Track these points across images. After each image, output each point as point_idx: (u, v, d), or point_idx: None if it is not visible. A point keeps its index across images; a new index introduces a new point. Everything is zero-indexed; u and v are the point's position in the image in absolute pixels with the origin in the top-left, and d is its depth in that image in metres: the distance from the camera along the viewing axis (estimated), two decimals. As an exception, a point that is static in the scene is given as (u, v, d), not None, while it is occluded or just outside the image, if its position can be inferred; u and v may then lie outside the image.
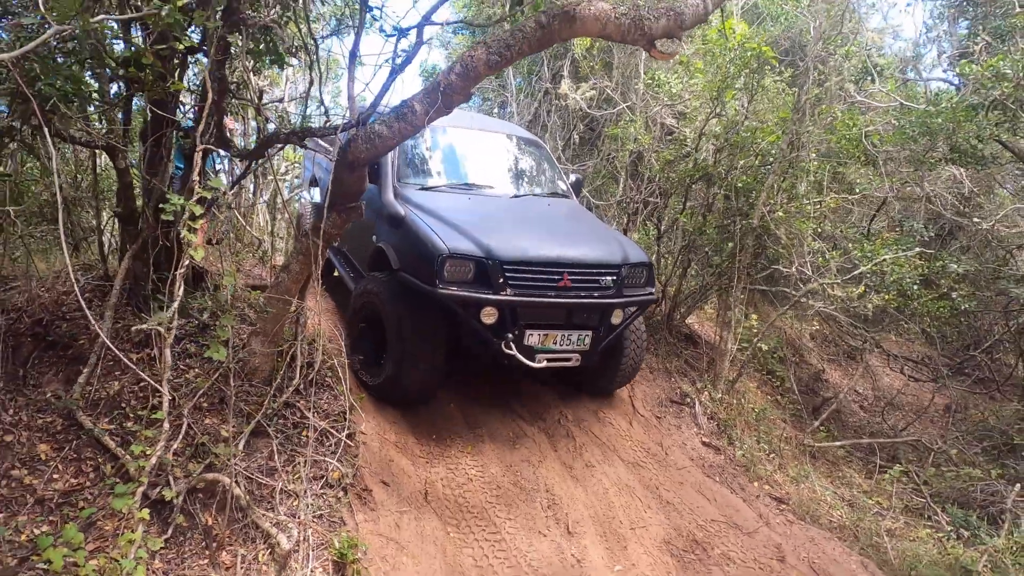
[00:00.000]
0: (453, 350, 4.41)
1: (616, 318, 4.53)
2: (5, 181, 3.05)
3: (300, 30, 3.31)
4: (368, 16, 3.21)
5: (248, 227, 5.76)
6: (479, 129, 5.62)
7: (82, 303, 2.54)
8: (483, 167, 5.38)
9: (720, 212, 5.58)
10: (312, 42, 3.43)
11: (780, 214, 5.22)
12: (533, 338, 4.22)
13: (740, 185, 5.49)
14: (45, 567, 2.54)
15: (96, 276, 4.06)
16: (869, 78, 6.07)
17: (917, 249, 5.36)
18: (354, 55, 3.34)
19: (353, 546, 3.03)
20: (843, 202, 5.80)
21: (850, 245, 5.31)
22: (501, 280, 4.09)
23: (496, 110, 9.15)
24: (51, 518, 2.84)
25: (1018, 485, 4.97)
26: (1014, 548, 4.39)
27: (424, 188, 4.93)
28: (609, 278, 4.40)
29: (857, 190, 5.81)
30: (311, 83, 3.52)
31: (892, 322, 6.59)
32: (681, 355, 6.41)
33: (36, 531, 2.75)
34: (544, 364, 4.24)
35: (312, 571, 2.95)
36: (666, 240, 6.52)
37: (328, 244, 3.54)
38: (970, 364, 9.02)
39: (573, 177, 5.90)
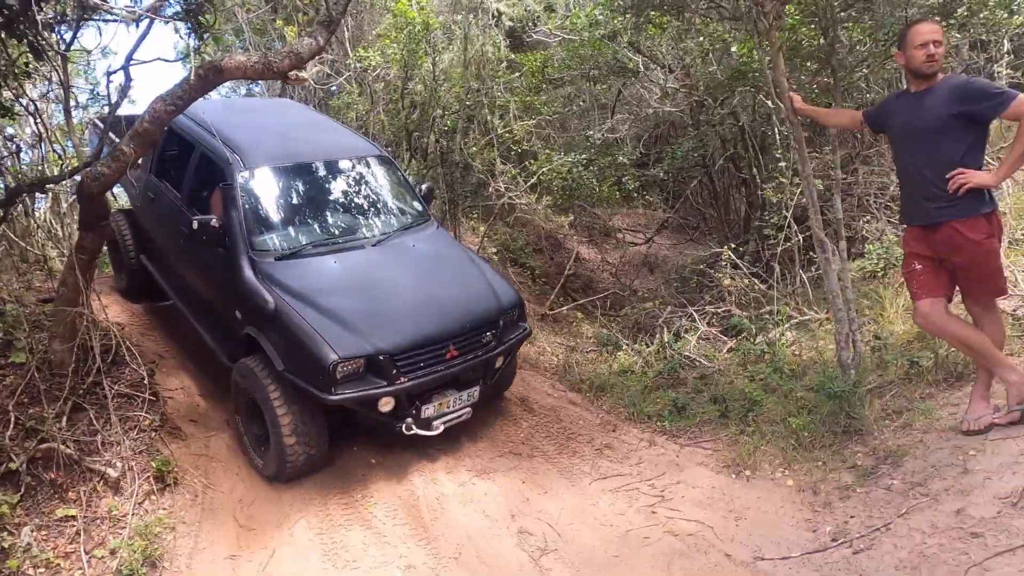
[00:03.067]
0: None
1: (498, 363, 4.64)
2: None
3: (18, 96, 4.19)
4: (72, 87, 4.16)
5: (29, 247, 6.43)
6: (322, 159, 5.18)
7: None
8: (337, 210, 5.07)
9: (434, 155, 7.05)
10: (32, 105, 4.33)
11: (474, 148, 6.78)
12: (429, 410, 4.27)
13: (445, 130, 6.96)
14: (-69, 533, 3.62)
15: None
16: (531, 24, 7.67)
17: (582, 155, 7.16)
18: (68, 112, 4.31)
19: (167, 463, 4.32)
20: (532, 126, 7.47)
21: (529, 162, 7.01)
22: (394, 371, 4.07)
23: (243, 91, 9.86)
24: (-76, 505, 3.85)
25: (668, 307, 7.12)
26: (658, 350, 6.47)
27: (283, 256, 4.57)
28: (490, 333, 4.50)
29: (543, 112, 7.49)
30: (40, 138, 4.43)
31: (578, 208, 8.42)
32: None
33: (-85, 515, 3.78)
34: (442, 429, 4.34)
35: (140, 487, 4.22)
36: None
37: (93, 258, 4.56)
38: (697, 220, 11.50)
39: (424, 187, 5.66)
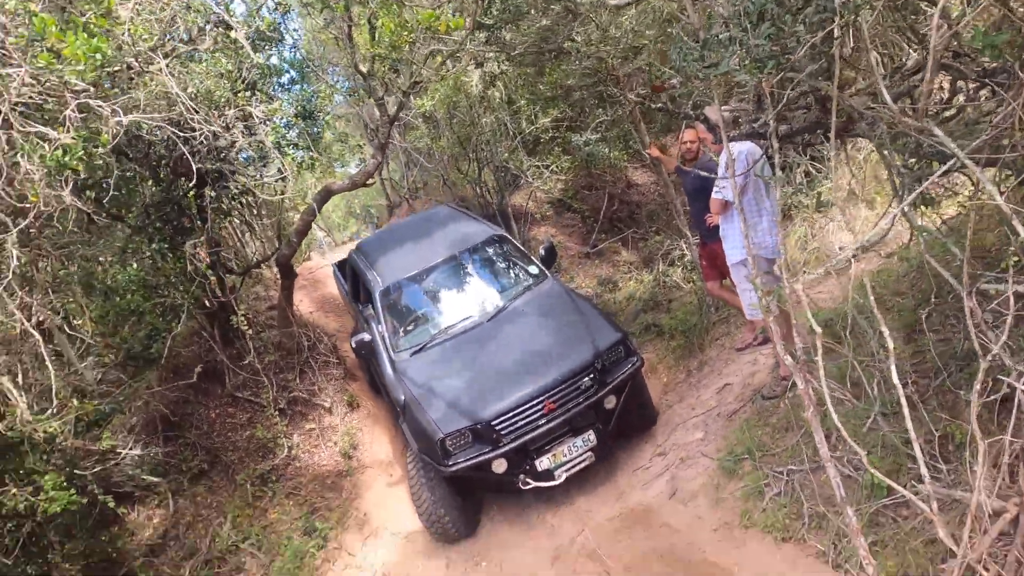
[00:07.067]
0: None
1: (610, 403, 4.78)
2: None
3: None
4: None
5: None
6: (443, 257, 5.86)
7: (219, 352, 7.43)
8: (459, 299, 5.68)
9: (481, 161, 9.90)
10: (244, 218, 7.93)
11: (506, 155, 9.52)
12: (544, 462, 4.58)
13: (485, 142, 9.75)
14: (256, 438, 7.62)
15: (204, 339, 8.93)
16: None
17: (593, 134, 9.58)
18: (260, 218, 7.84)
19: (352, 396, 8.07)
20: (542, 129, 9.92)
21: (546, 153, 9.59)
22: (495, 436, 4.50)
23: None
24: (247, 430, 7.90)
25: (667, 241, 9.60)
26: (657, 277, 9.08)
27: (416, 352, 5.29)
28: (587, 378, 4.67)
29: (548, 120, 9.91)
30: (251, 229, 8.06)
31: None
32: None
33: (250, 432, 7.82)
34: (565, 477, 4.62)
35: (341, 410, 8.01)
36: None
37: (290, 292, 8.20)
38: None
39: (542, 250, 6.19)
